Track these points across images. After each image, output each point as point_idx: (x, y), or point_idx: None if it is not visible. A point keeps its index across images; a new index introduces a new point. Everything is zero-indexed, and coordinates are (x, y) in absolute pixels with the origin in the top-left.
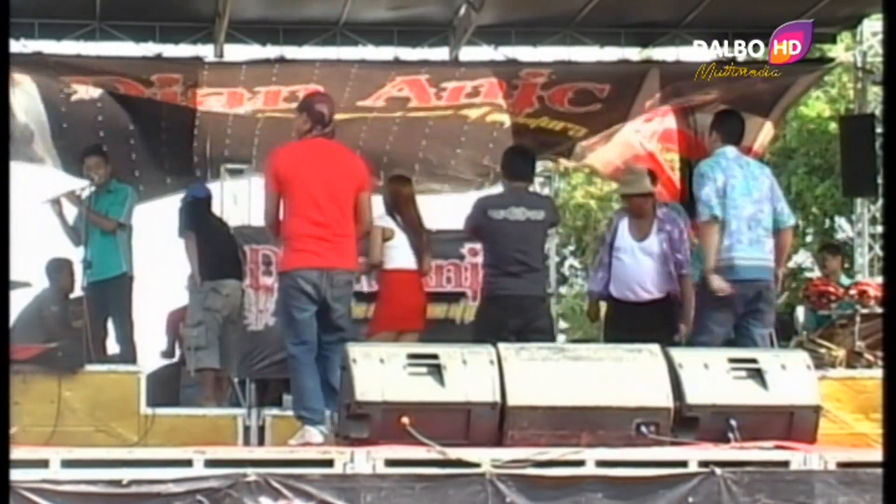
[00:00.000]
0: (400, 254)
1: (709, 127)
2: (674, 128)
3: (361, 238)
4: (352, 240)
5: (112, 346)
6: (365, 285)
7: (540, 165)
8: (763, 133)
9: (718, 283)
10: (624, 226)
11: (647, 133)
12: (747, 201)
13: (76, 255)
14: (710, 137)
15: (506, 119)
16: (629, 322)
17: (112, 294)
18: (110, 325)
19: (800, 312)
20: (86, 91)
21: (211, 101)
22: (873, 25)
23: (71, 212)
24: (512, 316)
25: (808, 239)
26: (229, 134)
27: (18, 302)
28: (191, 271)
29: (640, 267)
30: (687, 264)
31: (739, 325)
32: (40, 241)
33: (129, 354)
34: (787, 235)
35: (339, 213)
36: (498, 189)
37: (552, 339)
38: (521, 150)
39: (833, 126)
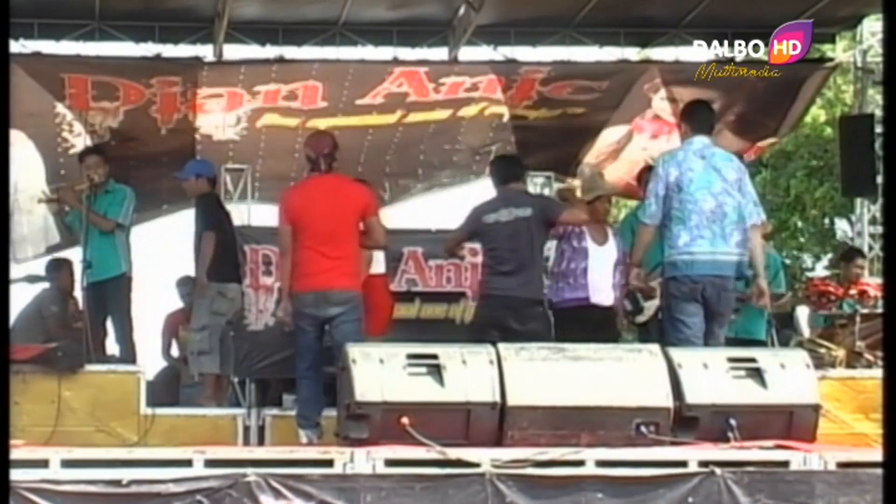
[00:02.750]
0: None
1: (679, 117)
2: None
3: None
4: (350, 261)
5: (111, 347)
6: None
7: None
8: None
9: (635, 280)
10: (582, 230)
11: (654, 151)
12: (706, 194)
13: (76, 255)
14: (681, 129)
15: (504, 111)
16: (580, 326)
17: (111, 294)
18: (109, 326)
19: (800, 312)
20: (83, 142)
21: (211, 103)
22: (873, 25)
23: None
24: (504, 315)
25: (804, 239)
26: (231, 156)
27: (18, 302)
28: (196, 272)
29: (602, 269)
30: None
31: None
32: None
33: (128, 354)
34: (753, 233)
35: (338, 240)
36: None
37: (548, 338)
38: (506, 157)
39: (829, 130)
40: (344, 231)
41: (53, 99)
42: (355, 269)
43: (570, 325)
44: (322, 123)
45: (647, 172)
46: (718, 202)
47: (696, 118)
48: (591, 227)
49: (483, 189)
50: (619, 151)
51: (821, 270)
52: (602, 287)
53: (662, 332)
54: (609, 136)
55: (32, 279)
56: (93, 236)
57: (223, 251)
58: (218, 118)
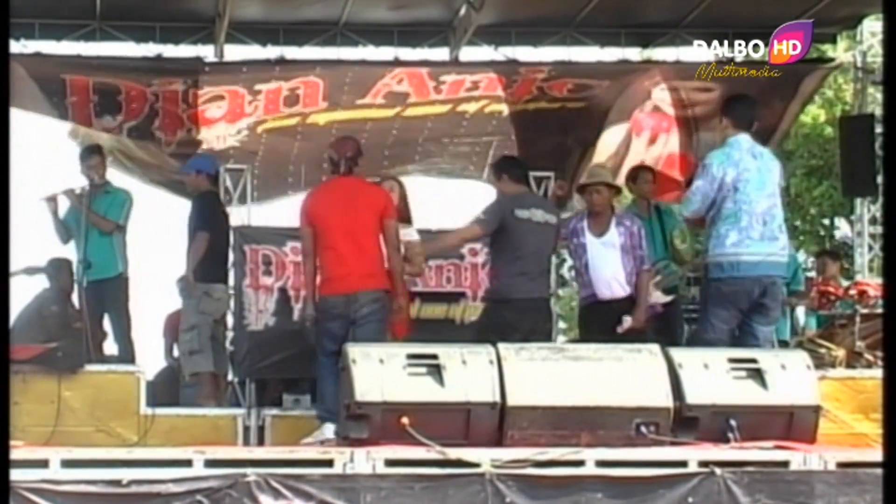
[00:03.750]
0: None
1: (719, 111)
2: (677, 152)
3: (391, 258)
4: (374, 261)
5: (109, 347)
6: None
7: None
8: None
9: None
10: (583, 226)
11: (650, 159)
12: (761, 195)
13: (75, 254)
14: (721, 123)
15: (504, 108)
16: (601, 321)
17: (108, 294)
18: (107, 326)
19: (800, 312)
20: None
21: (213, 108)
22: (873, 25)
23: (63, 210)
24: (525, 319)
25: (802, 238)
26: (231, 161)
27: (18, 302)
28: (185, 271)
29: (604, 262)
30: (648, 260)
31: (743, 323)
32: (40, 241)
33: (127, 354)
34: None
35: (359, 241)
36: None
37: (550, 340)
38: (512, 157)
39: (829, 130)
40: (364, 231)
41: (57, 116)
42: (379, 268)
43: (587, 323)
44: (322, 119)
45: (641, 171)
46: (770, 203)
47: (738, 113)
48: (590, 219)
49: (479, 189)
50: (618, 165)
51: None
52: (611, 278)
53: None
54: (609, 138)
55: (31, 271)
56: (91, 236)
57: (213, 252)
58: (220, 130)
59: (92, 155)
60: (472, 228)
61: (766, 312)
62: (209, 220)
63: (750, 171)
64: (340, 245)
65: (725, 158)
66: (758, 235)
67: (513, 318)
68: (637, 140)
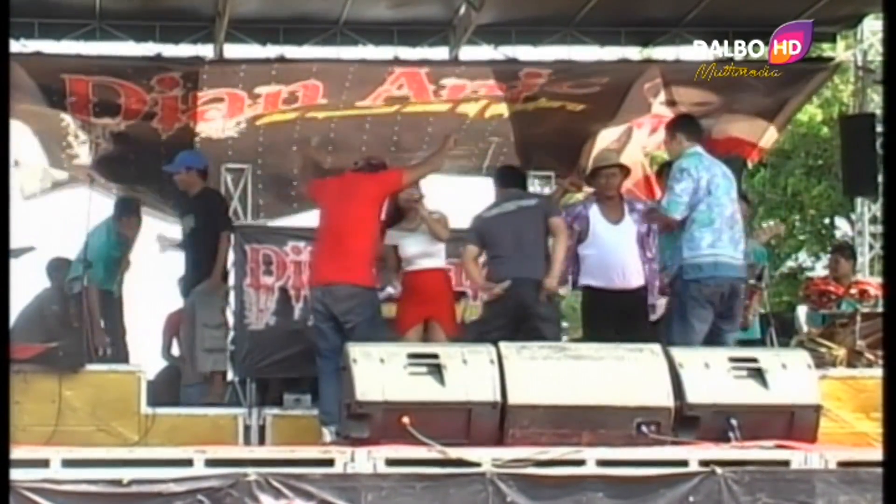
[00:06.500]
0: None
1: (667, 129)
2: None
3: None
4: (361, 255)
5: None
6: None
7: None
8: (767, 134)
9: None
10: (595, 212)
11: (652, 146)
12: (727, 200)
13: (76, 254)
14: (675, 139)
15: (504, 110)
16: (608, 312)
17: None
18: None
19: (801, 312)
20: (87, 150)
21: (212, 111)
22: (873, 25)
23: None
24: (509, 300)
25: (803, 238)
26: (230, 155)
27: (19, 302)
28: (213, 271)
29: (619, 251)
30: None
31: (713, 326)
32: (40, 241)
33: (121, 356)
34: None
35: (350, 232)
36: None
37: (556, 329)
38: (510, 166)
39: (826, 129)
40: (352, 226)
41: (58, 110)
42: (361, 263)
43: (593, 312)
44: (320, 114)
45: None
46: (734, 208)
47: (688, 129)
48: (603, 205)
49: (479, 186)
50: (619, 151)
51: (820, 270)
52: (625, 267)
53: (667, 329)
54: (608, 134)
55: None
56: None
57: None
58: (218, 124)
59: (128, 213)
60: (469, 251)
61: (731, 316)
62: (226, 219)
63: (718, 177)
64: (329, 235)
65: (699, 162)
66: (727, 238)
67: (496, 303)
68: (639, 131)
